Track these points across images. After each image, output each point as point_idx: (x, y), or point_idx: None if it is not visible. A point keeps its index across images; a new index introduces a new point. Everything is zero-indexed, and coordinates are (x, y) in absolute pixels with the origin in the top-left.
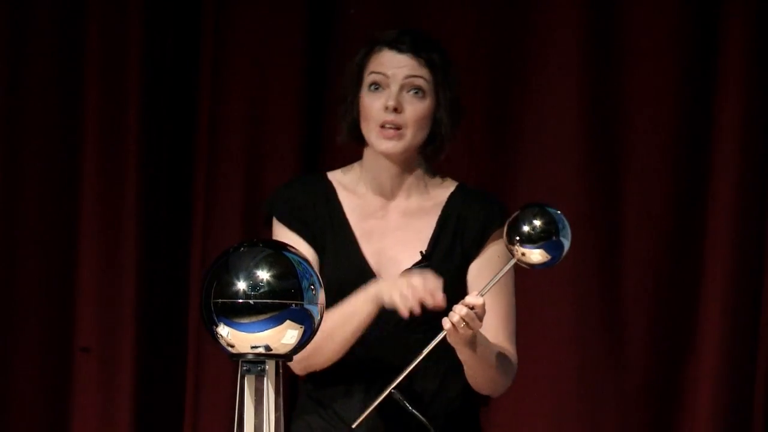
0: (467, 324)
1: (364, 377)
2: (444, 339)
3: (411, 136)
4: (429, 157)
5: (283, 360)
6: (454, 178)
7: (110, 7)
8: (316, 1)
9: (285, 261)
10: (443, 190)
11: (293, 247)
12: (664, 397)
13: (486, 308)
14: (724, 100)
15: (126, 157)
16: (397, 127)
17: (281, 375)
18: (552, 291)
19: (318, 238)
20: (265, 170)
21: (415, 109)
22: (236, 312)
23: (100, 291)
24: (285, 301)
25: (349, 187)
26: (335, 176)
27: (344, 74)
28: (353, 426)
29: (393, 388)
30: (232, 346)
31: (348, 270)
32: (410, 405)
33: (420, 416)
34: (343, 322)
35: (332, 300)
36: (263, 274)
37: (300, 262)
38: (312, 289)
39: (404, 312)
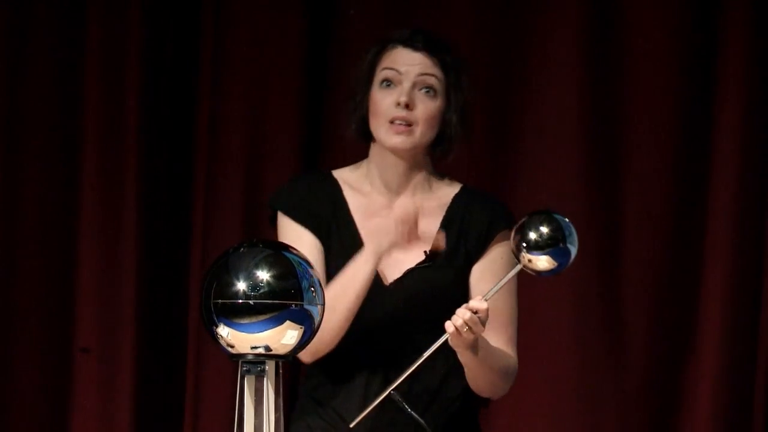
0: (470, 328)
1: (364, 378)
2: (445, 341)
3: (420, 133)
4: (437, 157)
5: (283, 360)
6: (454, 178)
7: (110, 7)
8: (316, 1)
9: (285, 261)
10: (448, 191)
11: (293, 248)
12: (664, 397)
13: (488, 311)
14: (724, 100)
15: (126, 157)
16: (408, 124)
17: (281, 375)
18: (552, 291)
19: (323, 232)
20: (265, 170)
21: (426, 107)
22: (236, 312)
23: (100, 291)
24: (285, 301)
25: (355, 185)
26: (340, 174)
27: (354, 70)
28: (351, 425)
29: (392, 390)
30: (232, 347)
31: None
32: (409, 407)
33: (418, 418)
34: (343, 290)
35: None
36: (263, 275)
37: (300, 263)
38: (312, 290)
39: (406, 240)
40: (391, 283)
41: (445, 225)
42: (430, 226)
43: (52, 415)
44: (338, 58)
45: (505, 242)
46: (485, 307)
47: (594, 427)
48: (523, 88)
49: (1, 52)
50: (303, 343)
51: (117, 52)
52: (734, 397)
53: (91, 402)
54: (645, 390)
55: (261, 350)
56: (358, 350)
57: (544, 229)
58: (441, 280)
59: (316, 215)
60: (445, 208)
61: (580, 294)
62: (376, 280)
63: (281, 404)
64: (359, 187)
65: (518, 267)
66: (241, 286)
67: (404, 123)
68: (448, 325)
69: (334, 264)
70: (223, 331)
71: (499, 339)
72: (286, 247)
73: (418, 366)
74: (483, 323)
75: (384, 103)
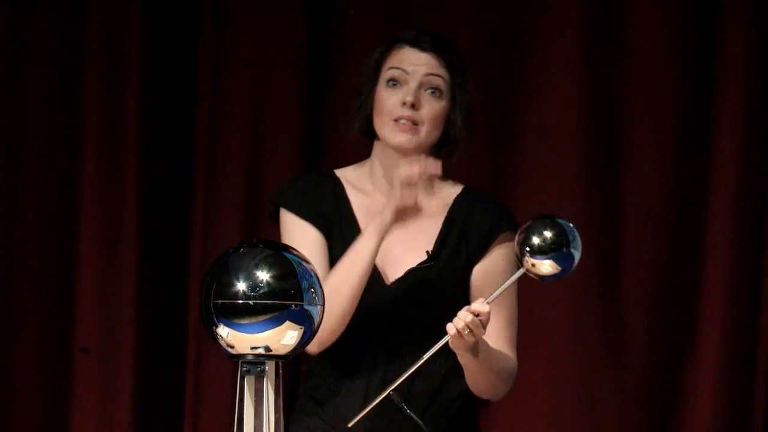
0: (471, 331)
1: (364, 378)
2: (445, 342)
3: (426, 133)
4: (440, 158)
5: (282, 361)
6: (455, 178)
7: (110, 7)
8: (316, 1)
9: (285, 262)
10: (450, 192)
11: (293, 248)
12: (664, 397)
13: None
14: (724, 100)
15: (126, 157)
16: (414, 123)
17: (281, 376)
18: (552, 291)
19: (327, 229)
20: (265, 170)
21: (432, 107)
22: (236, 313)
23: (100, 291)
24: (285, 301)
25: (357, 184)
26: (343, 173)
27: (359, 69)
28: (349, 425)
29: (392, 390)
30: (232, 347)
31: None
32: (409, 407)
33: (417, 419)
34: (347, 271)
35: None
36: (263, 275)
37: (300, 263)
38: (312, 290)
39: (412, 198)
40: (393, 283)
41: (447, 225)
42: (432, 226)
43: (52, 415)
44: (338, 58)
45: (507, 244)
46: (487, 310)
47: (594, 427)
48: (523, 88)
49: (1, 52)
50: (303, 343)
51: (117, 52)
52: (734, 397)
53: (91, 402)
54: (645, 390)
55: (261, 351)
56: (358, 350)
57: (548, 234)
58: (442, 280)
59: (320, 212)
60: (447, 209)
61: (580, 294)
62: (378, 279)
63: (281, 404)
64: (361, 186)
65: (521, 271)
66: (241, 286)
67: (409, 122)
68: (450, 327)
69: (336, 262)
70: (223, 331)
71: (498, 341)
72: (286, 248)
73: (418, 367)
74: (484, 326)
75: (390, 101)
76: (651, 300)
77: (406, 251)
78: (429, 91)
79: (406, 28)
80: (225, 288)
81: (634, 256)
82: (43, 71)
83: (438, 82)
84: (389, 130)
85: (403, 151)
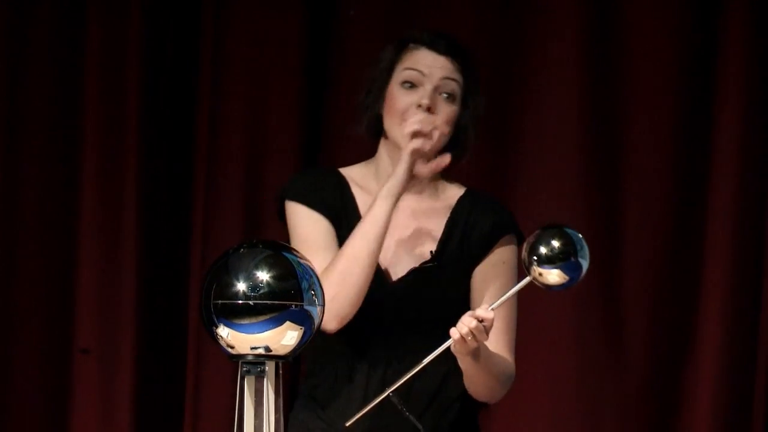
0: (474, 336)
1: (364, 378)
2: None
3: (438, 137)
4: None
5: (283, 361)
6: (456, 179)
7: (110, 7)
8: (316, 1)
9: (285, 262)
10: (453, 193)
11: (293, 248)
12: (664, 397)
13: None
14: (724, 100)
15: (126, 157)
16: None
17: (281, 376)
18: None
19: (335, 222)
20: (265, 170)
21: (447, 112)
22: (236, 313)
23: (100, 291)
24: (285, 302)
25: (362, 183)
26: (348, 172)
27: (370, 68)
28: (347, 424)
29: (391, 392)
30: (232, 347)
31: None
32: (408, 407)
33: (415, 421)
34: (364, 236)
35: None
36: (263, 275)
37: (300, 263)
38: (312, 290)
39: (428, 145)
40: (395, 282)
41: (450, 226)
42: (435, 227)
43: (52, 415)
44: (338, 58)
45: (509, 247)
46: (491, 316)
47: (594, 427)
48: (523, 88)
49: (1, 52)
50: (303, 343)
51: (117, 52)
52: (734, 397)
53: (91, 402)
54: (645, 390)
55: (261, 351)
56: (358, 350)
57: (556, 243)
58: (444, 281)
59: (328, 203)
60: (450, 210)
61: (580, 294)
62: (379, 278)
63: (281, 405)
64: (366, 184)
65: (528, 279)
66: (241, 286)
67: None
68: (453, 332)
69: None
70: (223, 331)
71: (498, 344)
72: (286, 248)
73: (418, 370)
74: (488, 332)
75: (404, 102)
76: (651, 300)
77: (408, 251)
78: (444, 95)
79: (418, 28)
80: (225, 288)
81: (634, 256)
82: (43, 71)
83: (453, 86)
84: (401, 131)
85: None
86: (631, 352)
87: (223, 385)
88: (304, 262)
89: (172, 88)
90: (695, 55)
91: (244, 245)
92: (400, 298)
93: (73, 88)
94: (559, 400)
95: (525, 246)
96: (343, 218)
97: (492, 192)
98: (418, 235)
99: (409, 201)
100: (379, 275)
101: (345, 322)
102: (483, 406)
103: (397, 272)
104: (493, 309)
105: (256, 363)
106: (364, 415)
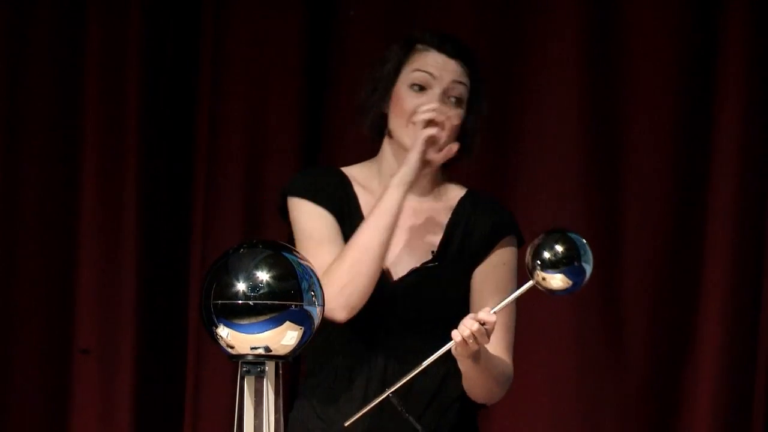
0: (476, 339)
1: (364, 378)
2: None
3: (444, 140)
4: (449, 162)
5: (282, 361)
6: (458, 181)
7: (110, 7)
8: (316, 1)
9: (285, 262)
10: (454, 194)
11: (293, 249)
12: (664, 397)
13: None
14: (724, 100)
15: (126, 157)
16: None
17: (281, 376)
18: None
19: (339, 216)
20: (265, 170)
21: (454, 116)
22: (236, 313)
23: (100, 291)
24: (285, 302)
25: (364, 183)
26: (350, 171)
27: (373, 66)
28: (346, 424)
29: (391, 392)
30: (232, 348)
31: None
32: (408, 408)
33: (414, 422)
34: (375, 225)
35: None
36: (263, 276)
37: (300, 263)
38: (312, 291)
39: (441, 134)
40: (396, 281)
41: (451, 226)
42: (436, 227)
43: (52, 415)
44: (338, 58)
45: (509, 249)
46: (493, 320)
47: (594, 427)
48: (523, 88)
49: (1, 52)
50: (302, 343)
51: (117, 52)
52: (734, 397)
53: (91, 402)
54: (645, 390)
55: (261, 351)
56: (358, 349)
57: (559, 248)
58: (445, 281)
59: (333, 199)
60: (451, 210)
61: (580, 294)
62: (381, 277)
63: (281, 405)
64: (368, 184)
65: (530, 283)
66: (241, 286)
67: None
68: (455, 335)
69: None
70: (223, 331)
71: (497, 346)
72: (286, 248)
73: (419, 372)
74: (489, 335)
75: (412, 104)
76: (651, 300)
77: (409, 251)
78: (452, 99)
79: (423, 28)
80: (225, 288)
81: (634, 256)
82: (43, 71)
83: (461, 90)
84: (408, 132)
85: None
86: (631, 352)
87: (223, 385)
88: (304, 262)
89: (172, 88)
90: (695, 55)
91: (244, 245)
92: (401, 298)
93: (73, 88)
94: (559, 400)
95: (528, 250)
96: (346, 217)
97: (492, 192)
98: (419, 235)
99: (411, 201)
100: (381, 274)
101: (354, 312)
102: (482, 406)
103: (398, 272)
104: (495, 312)
105: (256, 363)
106: (363, 415)
